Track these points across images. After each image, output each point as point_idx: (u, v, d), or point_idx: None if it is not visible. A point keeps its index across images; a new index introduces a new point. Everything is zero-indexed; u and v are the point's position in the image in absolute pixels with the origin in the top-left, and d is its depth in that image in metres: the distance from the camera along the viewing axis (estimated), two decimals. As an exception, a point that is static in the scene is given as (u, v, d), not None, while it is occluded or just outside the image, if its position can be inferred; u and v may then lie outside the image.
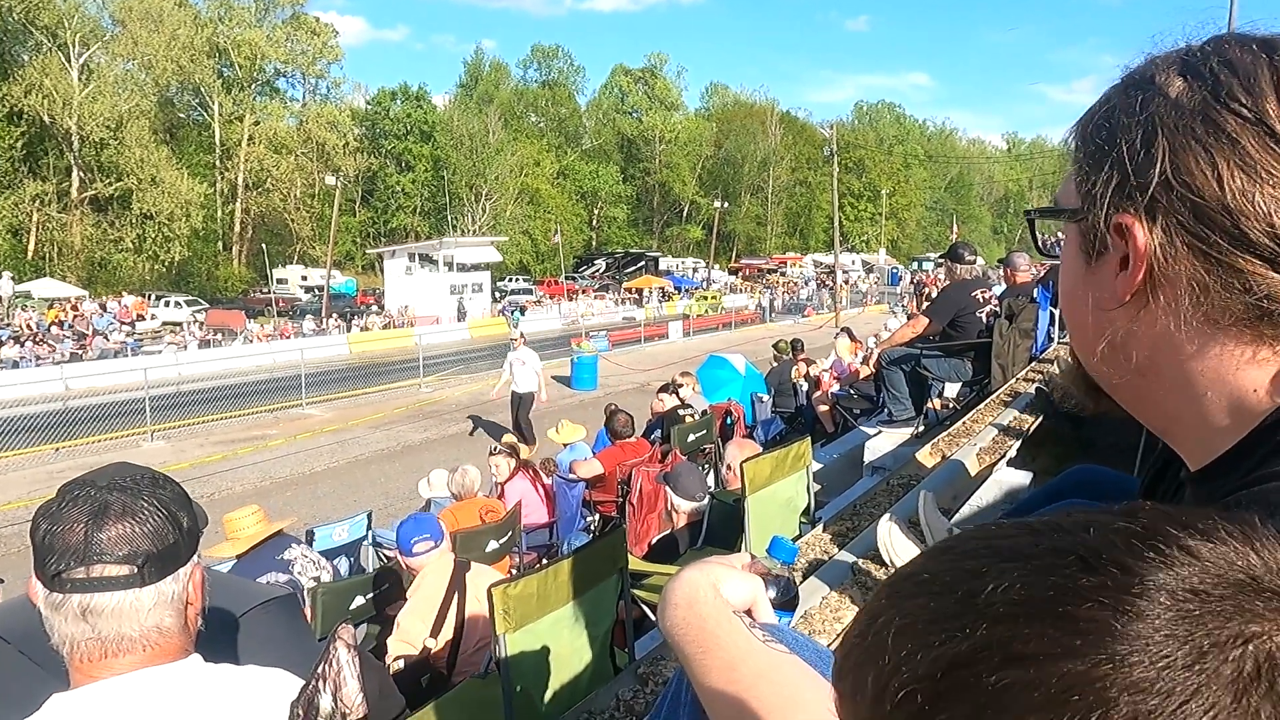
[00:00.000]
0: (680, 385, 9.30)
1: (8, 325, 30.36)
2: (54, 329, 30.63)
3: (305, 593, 3.95)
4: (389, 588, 4.50)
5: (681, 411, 8.37)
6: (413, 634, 3.60)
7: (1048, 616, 0.38)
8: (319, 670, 1.19)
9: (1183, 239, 0.63)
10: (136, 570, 1.13)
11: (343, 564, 6.14)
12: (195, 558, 1.24)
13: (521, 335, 16.93)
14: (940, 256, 7.91)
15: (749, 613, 0.99)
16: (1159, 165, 0.63)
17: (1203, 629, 0.36)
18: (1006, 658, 0.37)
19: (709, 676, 0.90)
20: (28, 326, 30.22)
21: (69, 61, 43.33)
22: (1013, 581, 0.39)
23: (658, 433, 8.25)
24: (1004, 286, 7.40)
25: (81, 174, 44.69)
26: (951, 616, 0.40)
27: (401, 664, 3.56)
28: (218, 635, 1.55)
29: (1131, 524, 0.40)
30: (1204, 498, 0.67)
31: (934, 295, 8.72)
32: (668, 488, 4.68)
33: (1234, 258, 0.61)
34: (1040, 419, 4.80)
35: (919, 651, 0.40)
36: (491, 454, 6.78)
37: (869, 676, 0.42)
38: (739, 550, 3.78)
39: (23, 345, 26.93)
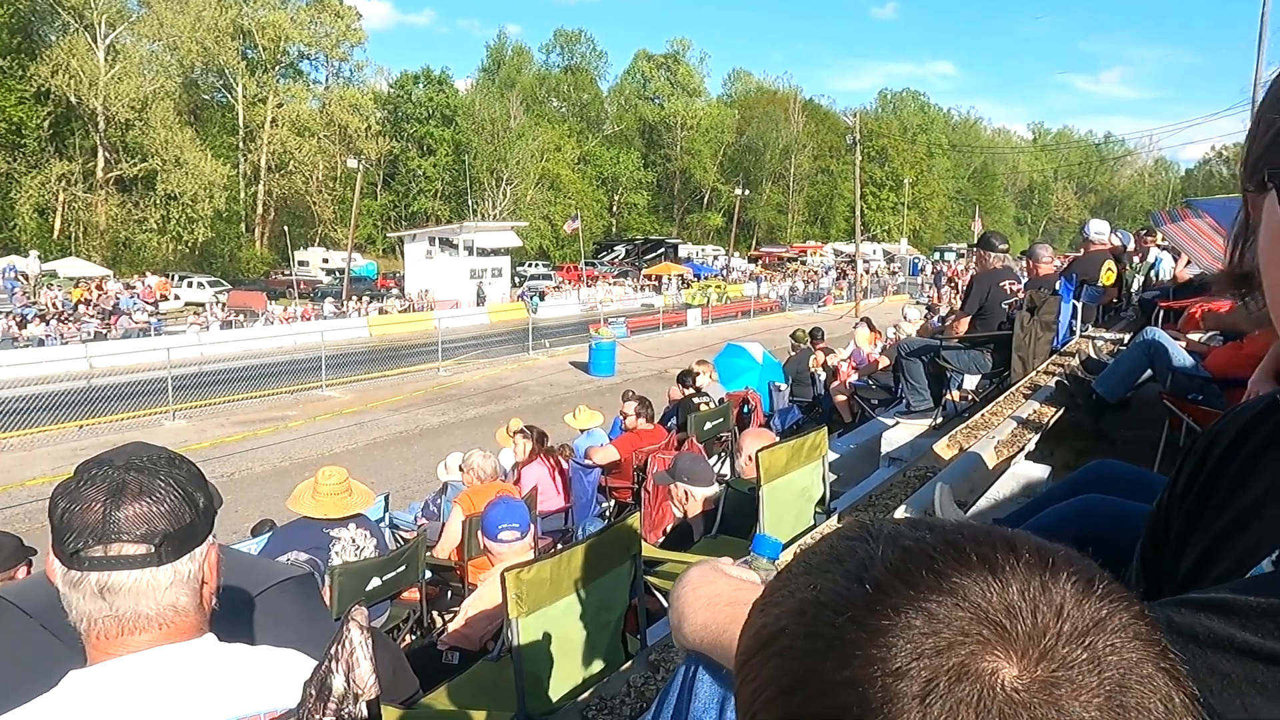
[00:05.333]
0: (698, 373, 9.28)
1: (34, 304, 30.69)
2: (79, 308, 30.95)
3: (326, 573, 3.97)
4: (405, 570, 4.53)
5: (698, 399, 8.35)
6: (476, 621, 3.56)
7: (817, 618, 0.46)
8: (331, 651, 1.19)
9: None
10: (154, 549, 1.13)
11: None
12: (211, 537, 1.25)
13: None
14: (971, 246, 7.80)
15: None
16: None
17: (915, 643, 0.42)
18: (781, 649, 0.47)
19: None
20: (53, 305, 30.54)
21: (95, 42, 43.64)
22: (824, 581, 0.47)
23: (674, 420, 8.25)
24: (1026, 278, 7.33)
25: (107, 154, 45.07)
26: (777, 601, 0.50)
27: (456, 655, 3.51)
28: (234, 614, 1.56)
29: (914, 544, 0.47)
30: None
31: (965, 286, 8.63)
32: (675, 481, 4.64)
33: None
34: (1060, 412, 4.76)
35: (751, 625, 0.51)
36: (512, 432, 6.80)
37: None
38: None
39: (48, 324, 27.24)
